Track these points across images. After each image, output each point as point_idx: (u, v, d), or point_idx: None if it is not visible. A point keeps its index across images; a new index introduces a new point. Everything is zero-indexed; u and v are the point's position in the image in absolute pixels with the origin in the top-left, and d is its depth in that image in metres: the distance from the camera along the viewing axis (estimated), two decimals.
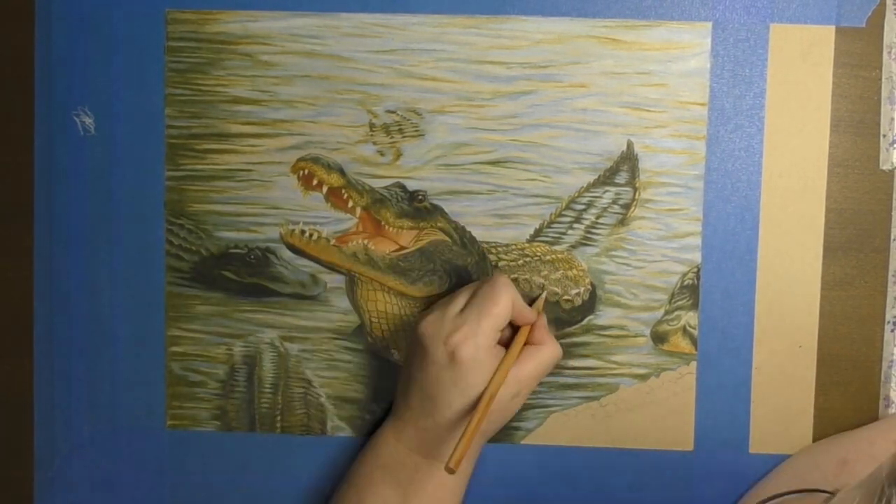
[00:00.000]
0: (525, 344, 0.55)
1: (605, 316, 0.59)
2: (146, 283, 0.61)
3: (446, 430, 0.53)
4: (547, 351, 0.55)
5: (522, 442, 0.60)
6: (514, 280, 0.59)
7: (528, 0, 0.58)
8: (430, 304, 0.59)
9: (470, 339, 0.52)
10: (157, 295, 0.61)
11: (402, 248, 0.60)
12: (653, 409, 0.59)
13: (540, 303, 0.58)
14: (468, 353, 0.52)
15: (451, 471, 0.48)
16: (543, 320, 0.56)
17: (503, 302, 0.53)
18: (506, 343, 0.55)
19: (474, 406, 0.52)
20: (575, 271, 0.59)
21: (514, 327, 0.56)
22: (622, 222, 0.59)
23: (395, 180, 0.59)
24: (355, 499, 0.55)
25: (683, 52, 0.58)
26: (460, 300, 0.54)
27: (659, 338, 0.59)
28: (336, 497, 0.57)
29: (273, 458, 0.61)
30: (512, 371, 0.53)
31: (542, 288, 0.59)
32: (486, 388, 0.52)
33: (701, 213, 0.59)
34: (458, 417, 0.53)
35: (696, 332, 0.59)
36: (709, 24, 0.58)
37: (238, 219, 0.60)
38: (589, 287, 0.59)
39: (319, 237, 0.60)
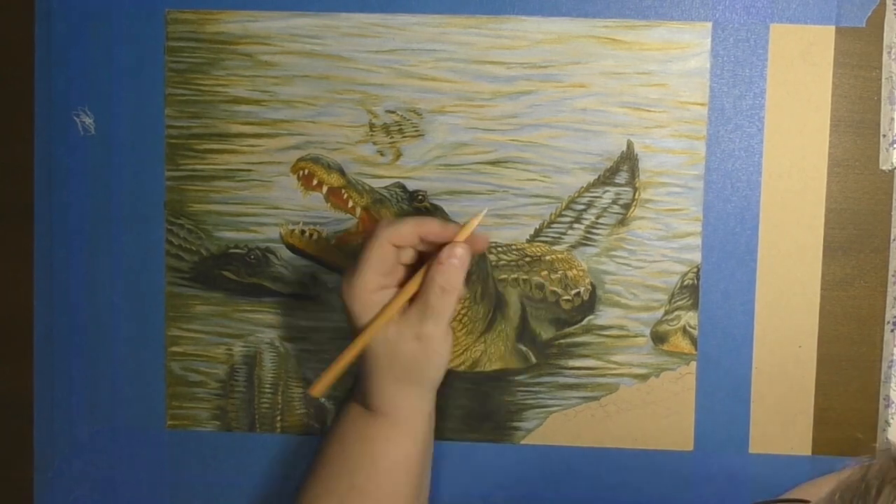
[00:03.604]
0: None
1: (605, 316, 0.59)
2: (146, 283, 0.61)
3: (363, 378, 0.53)
4: (459, 247, 0.50)
5: (522, 442, 0.60)
6: (515, 280, 0.59)
7: (529, 0, 0.58)
8: None
9: (353, 286, 0.50)
10: (157, 295, 0.61)
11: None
12: (653, 409, 0.59)
13: (474, 223, 0.51)
14: (348, 299, 0.51)
15: (309, 396, 0.49)
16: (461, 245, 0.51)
17: (375, 244, 0.50)
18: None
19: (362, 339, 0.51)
20: (575, 271, 0.59)
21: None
22: (622, 222, 0.59)
23: (395, 180, 0.59)
24: (347, 475, 0.54)
25: (683, 52, 0.58)
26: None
27: (659, 338, 0.59)
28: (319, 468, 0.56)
29: (273, 458, 0.61)
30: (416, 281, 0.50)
31: (543, 286, 0.59)
32: (369, 322, 0.51)
33: (701, 213, 0.59)
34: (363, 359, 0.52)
35: (695, 332, 0.59)
36: (709, 25, 0.58)
37: (238, 219, 0.60)
38: (589, 287, 0.59)
39: (319, 237, 0.60)
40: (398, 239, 0.50)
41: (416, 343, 0.51)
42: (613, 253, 0.59)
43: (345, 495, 0.53)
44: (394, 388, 0.52)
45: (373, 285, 0.51)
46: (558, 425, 0.60)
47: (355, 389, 0.55)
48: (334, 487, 0.53)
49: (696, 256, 0.59)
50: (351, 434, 0.54)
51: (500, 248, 0.59)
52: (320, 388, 0.49)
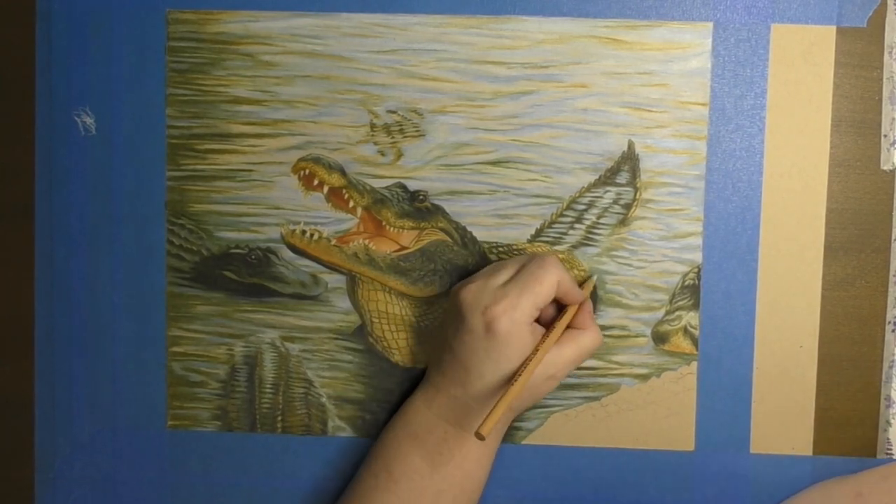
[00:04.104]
0: (568, 327, 0.55)
1: (606, 316, 0.59)
2: (147, 283, 0.61)
3: (476, 401, 0.53)
4: (588, 337, 0.55)
5: (523, 442, 0.60)
6: None
7: (529, 0, 0.58)
8: (438, 299, 0.59)
9: (508, 313, 0.52)
10: (157, 295, 0.61)
11: (403, 248, 0.60)
12: (654, 410, 0.59)
13: (589, 286, 0.58)
14: (504, 326, 0.52)
15: (480, 437, 0.49)
16: (589, 305, 0.56)
17: (548, 281, 0.53)
18: (548, 323, 0.55)
19: (506, 379, 0.52)
20: (576, 271, 0.59)
21: (559, 307, 0.56)
22: (623, 222, 0.59)
23: (396, 180, 0.59)
24: (383, 466, 0.55)
25: (684, 52, 0.58)
26: (505, 273, 0.54)
27: (660, 338, 0.59)
28: (362, 471, 0.57)
29: (274, 458, 0.61)
30: (550, 353, 0.53)
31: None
32: (521, 365, 0.52)
33: (702, 213, 0.59)
34: (489, 389, 0.53)
35: (696, 333, 0.59)
36: (710, 24, 0.58)
37: (239, 219, 0.60)
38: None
39: (320, 237, 0.60)
40: (561, 292, 0.54)
41: (548, 383, 0.54)
42: (614, 253, 0.59)
43: None
44: (508, 418, 0.55)
45: (530, 319, 0.53)
46: (559, 425, 0.60)
47: (442, 408, 0.55)
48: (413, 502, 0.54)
49: (697, 256, 0.59)
50: (440, 455, 0.54)
51: (501, 249, 0.59)
52: (487, 427, 0.49)
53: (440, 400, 0.55)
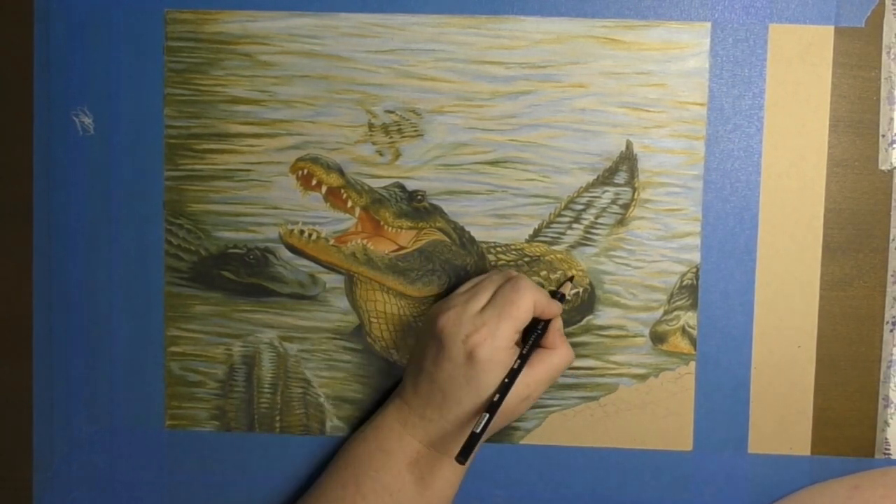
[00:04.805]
0: (539, 346, 0.55)
1: (605, 316, 0.59)
2: (145, 283, 0.61)
3: (452, 424, 0.53)
4: (558, 356, 0.55)
5: (522, 442, 0.60)
6: None
7: (528, 0, 0.58)
8: (437, 299, 0.59)
9: (488, 341, 0.52)
10: (155, 295, 0.61)
11: (401, 248, 0.60)
12: (652, 410, 0.59)
13: (567, 288, 0.58)
14: (485, 354, 0.52)
15: (460, 461, 0.49)
16: (559, 324, 0.56)
17: (524, 305, 0.53)
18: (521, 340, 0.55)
19: (484, 405, 0.52)
20: (574, 271, 0.59)
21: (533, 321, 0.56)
22: (621, 222, 0.59)
23: (394, 180, 0.59)
24: (352, 479, 0.55)
25: (682, 52, 0.58)
26: (482, 297, 0.54)
27: (658, 338, 0.59)
28: (330, 477, 0.56)
29: (272, 458, 0.61)
30: (523, 375, 0.53)
31: (542, 286, 0.59)
32: (496, 390, 0.52)
33: (700, 213, 0.59)
34: (467, 414, 0.53)
35: (695, 333, 0.59)
36: (708, 25, 0.58)
37: (237, 219, 0.60)
38: (588, 287, 0.59)
39: (318, 237, 0.60)
40: (538, 311, 0.54)
41: (524, 404, 0.55)
42: (612, 253, 0.59)
43: None
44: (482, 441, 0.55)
45: (511, 344, 0.53)
46: (557, 425, 0.60)
47: (416, 429, 0.55)
48: None
49: (696, 256, 0.59)
50: (411, 475, 0.54)
51: (499, 249, 0.59)
52: (468, 456, 0.50)
53: (414, 420, 0.55)
